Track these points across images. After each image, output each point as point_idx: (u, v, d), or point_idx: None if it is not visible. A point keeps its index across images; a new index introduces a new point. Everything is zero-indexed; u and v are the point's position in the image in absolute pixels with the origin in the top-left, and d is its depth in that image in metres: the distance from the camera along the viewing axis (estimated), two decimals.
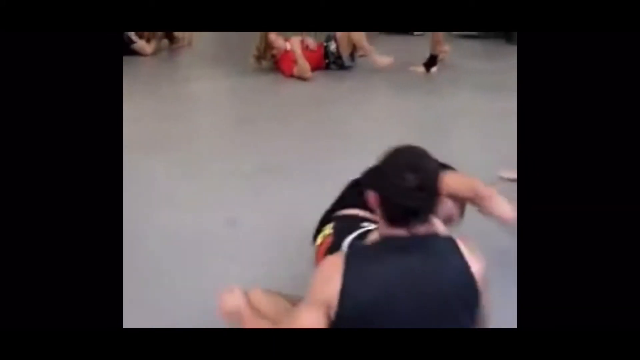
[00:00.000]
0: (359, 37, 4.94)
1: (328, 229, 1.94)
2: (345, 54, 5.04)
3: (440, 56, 4.92)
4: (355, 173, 2.24)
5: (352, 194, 2.10)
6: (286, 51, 4.92)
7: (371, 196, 1.41)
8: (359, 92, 4.67)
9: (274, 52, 4.97)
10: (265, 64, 5.05)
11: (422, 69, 4.95)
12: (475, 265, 1.38)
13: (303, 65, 4.84)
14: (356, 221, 1.91)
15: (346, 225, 1.91)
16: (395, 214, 1.37)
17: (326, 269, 1.41)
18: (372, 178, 1.42)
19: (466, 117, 4.15)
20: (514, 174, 2.88)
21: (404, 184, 1.32)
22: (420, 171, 1.34)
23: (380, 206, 1.39)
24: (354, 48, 5.04)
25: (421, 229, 1.38)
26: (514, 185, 1.57)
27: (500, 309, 1.49)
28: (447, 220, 2.05)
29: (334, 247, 1.82)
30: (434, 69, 4.90)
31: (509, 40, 5.47)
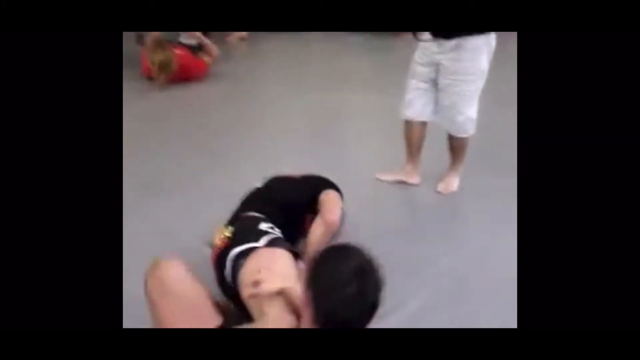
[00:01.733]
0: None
1: (227, 231, 1.92)
2: None
3: None
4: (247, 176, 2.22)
5: (254, 198, 2.18)
6: None
7: (305, 294, 1.29)
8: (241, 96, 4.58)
9: None
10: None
11: None
12: None
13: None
14: (254, 223, 1.90)
15: (241, 230, 1.89)
16: (327, 321, 1.26)
17: None
18: (312, 276, 1.29)
19: (352, 115, 4.19)
20: (390, 177, 3.03)
21: (346, 290, 1.22)
22: (366, 279, 1.23)
23: (312, 307, 1.28)
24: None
25: None
26: None
27: None
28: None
29: (222, 254, 1.83)
30: None
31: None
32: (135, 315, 1.56)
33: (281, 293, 1.50)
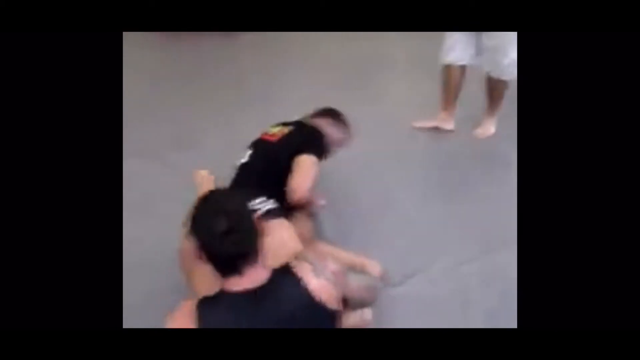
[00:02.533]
0: None
1: None
2: None
3: None
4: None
5: (241, 179, 2.12)
6: None
7: (196, 249, 1.35)
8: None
9: None
10: None
11: None
12: (320, 289, 1.36)
13: None
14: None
15: None
16: (219, 264, 1.34)
17: (177, 323, 1.33)
18: (191, 229, 1.35)
19: (389, 64, 4.09)
20: (425, 124, 2.99)
21: (214, 229, 1.28)
22: (229, 213, 1.30)
23: (206, 258, 1.34)
24: None
25: (256, 274, 1.33)
26: None
27: None
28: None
29: None
30: None
31: None
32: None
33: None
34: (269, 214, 1.88)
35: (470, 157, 2.81)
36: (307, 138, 2.17)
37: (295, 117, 2.34)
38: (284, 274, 1.38)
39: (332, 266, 1.42)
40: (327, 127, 2.26)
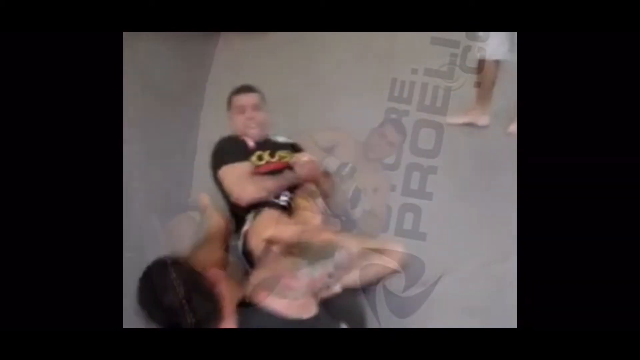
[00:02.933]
0: None
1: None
2: None
3: None
4: None
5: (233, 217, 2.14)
6: None
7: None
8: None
9: None
10: None
11: None
12: (284, 307, 1.38)
13: None
14: (244, 214, 2.01)
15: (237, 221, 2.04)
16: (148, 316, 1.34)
17: None
18: (146, 316, 1.35)
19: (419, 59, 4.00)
20: (459, 119, 2.96)
21: (171, 307, 1.28)
22: (175, 285, 1.29)
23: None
24: None
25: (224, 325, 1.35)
26: None
27: None
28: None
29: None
30: None
31: None
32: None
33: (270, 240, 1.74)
34: (262, 206, 1.95)
35: (504, 153, 2.76)
36: (213, 152, 2.16)
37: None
38: (247, 310, 1.38)
39: (289, 281, 1.42)
40: (230, 119, 2.27)
